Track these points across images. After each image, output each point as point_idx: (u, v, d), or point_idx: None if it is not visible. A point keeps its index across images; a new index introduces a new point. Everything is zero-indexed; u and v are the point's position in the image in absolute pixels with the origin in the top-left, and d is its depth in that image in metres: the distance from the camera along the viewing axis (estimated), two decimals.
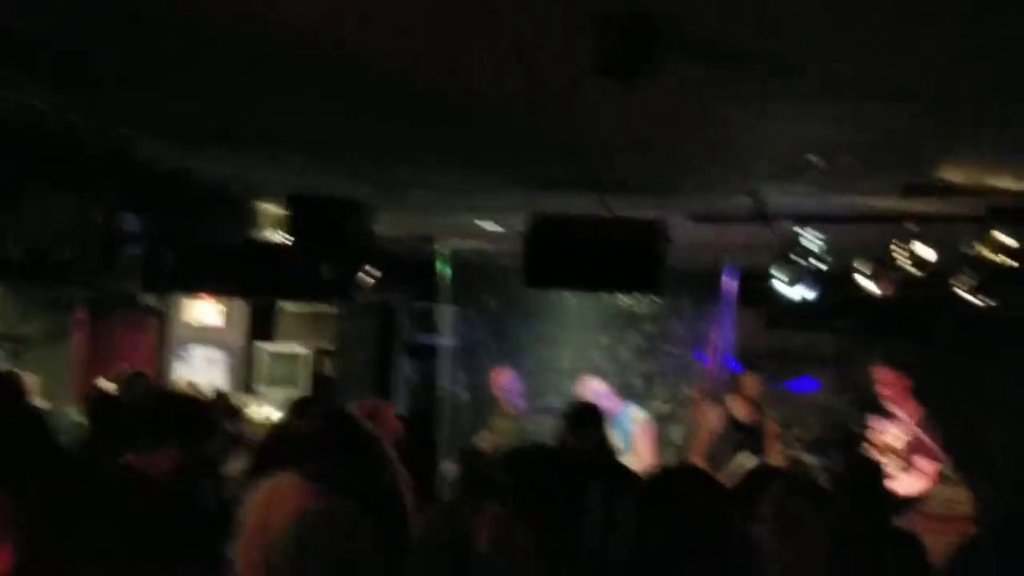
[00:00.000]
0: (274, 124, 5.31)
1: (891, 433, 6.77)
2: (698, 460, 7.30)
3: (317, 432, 3.39)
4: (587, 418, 5.21)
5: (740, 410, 7.29)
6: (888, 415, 7.04)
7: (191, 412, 4.07)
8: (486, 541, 3.46)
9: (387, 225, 7.66)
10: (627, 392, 9.32)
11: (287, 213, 7.10)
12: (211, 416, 4.42)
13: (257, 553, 2.93)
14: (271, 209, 7.55)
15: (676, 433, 9.50)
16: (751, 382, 7.49)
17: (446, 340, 9.62)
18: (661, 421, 9.21)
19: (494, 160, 5.89)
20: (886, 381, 7.11)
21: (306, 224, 6.99)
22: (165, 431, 3.95)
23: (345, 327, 9.79)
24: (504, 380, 8.19)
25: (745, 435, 7.25)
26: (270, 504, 3.10)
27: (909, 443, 6.78)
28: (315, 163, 6.18)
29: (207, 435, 4.16)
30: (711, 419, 7.44)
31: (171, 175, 6.39)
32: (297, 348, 9.91)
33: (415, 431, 8.60)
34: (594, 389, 7.72)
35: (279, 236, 7.46)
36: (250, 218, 7.46)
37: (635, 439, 7.15)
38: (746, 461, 7.10)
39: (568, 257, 6.40)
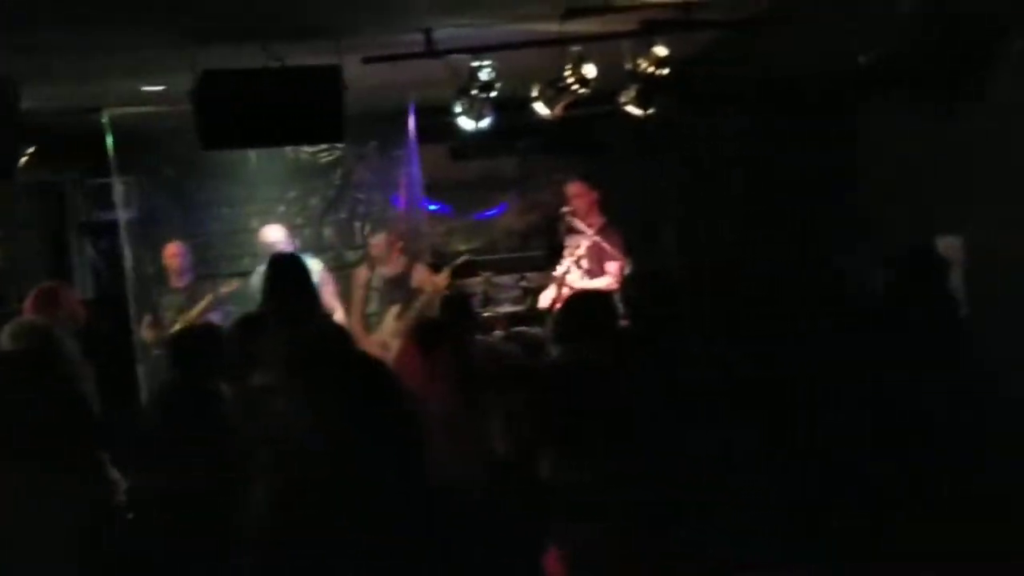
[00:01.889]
0: None
1: (580, 245, 7.20)
2: (355, 322, 7.58)
3: None
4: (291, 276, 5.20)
5: (387, 265, 7.57)
6: (574, 229, 7.42)
7: None
8: None
9: (43, 99, 7.07)
10: (320, 243, 9.29)
11: None
12: None
13: None
14: None
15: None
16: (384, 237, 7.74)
17: (123, 215, 9.11)
18: (356, 268, 9.26)
19: (150, 12, 5.50)
20: (577, 194, 7.46)
21: None
22: None
23: (11, 211, 9.05)
24: (173, 252, 7.99)
25: (392, 288, 7.54)
26: None
27: (593, 250, 7.22)
28: None
29: None
30: (360, 277, 7.72)
31: None
32: None
33: (103, 313, 8.25)
34: (272, 239, 7.74)
35: None
36: None
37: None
38: (392, 317, 7.42)
39: (242, 113, 6.18)
